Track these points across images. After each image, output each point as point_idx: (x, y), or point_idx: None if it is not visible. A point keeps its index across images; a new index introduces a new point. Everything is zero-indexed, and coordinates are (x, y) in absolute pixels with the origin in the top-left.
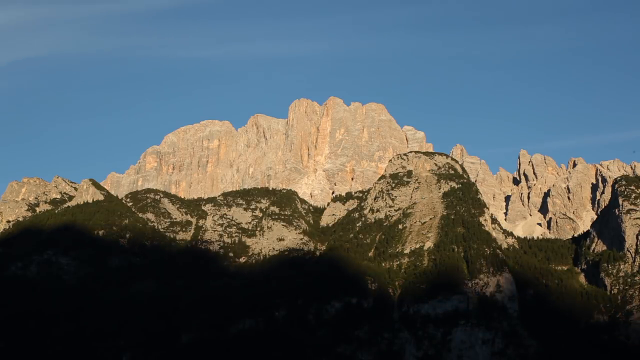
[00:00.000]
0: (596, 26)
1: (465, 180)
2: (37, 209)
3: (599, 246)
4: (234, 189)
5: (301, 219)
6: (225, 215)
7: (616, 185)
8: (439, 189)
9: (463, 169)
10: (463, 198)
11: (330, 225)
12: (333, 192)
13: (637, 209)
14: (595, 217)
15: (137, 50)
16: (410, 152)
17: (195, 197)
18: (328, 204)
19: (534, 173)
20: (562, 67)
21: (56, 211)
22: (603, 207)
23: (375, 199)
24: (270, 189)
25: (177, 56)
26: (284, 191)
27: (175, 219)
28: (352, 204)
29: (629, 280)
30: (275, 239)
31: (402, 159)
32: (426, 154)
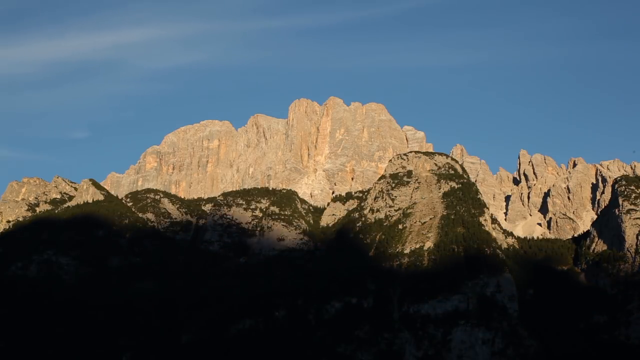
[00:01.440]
0: (596, 25)
1: (465, 180)
2: (37, 209)
3: (599, 246)
4: (234, 189)
5: (301, 219)
6: (225, 215)
7: (616, 185)
8: (439, 189)
9: (463, 169)
10: (463, 198)
11: (330, 225)
12: (333, 192)
13: (637, 209)
14: (595, 217)
15: None
16: (410, 152)
17: (195, 197)
18: (328, 204)
19: (534, 173)
20: (562, 66)
21: (56, 211)
22: (603, 207)
23: (375, 199)
24: (270, 189)
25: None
26: (284, 191)
27: (175, 219)
28: (352, 204)
29: (629, 280)
30: (275, 239)
31: (402, 159)
32: (426, 154)
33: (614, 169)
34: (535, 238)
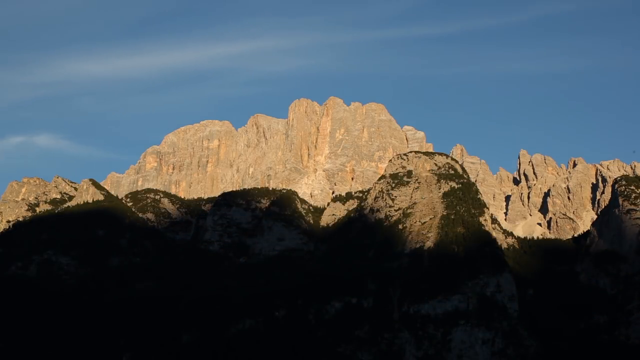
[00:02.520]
0: (597, 25)
1: (465, 180)
2: (37, 209)
3: (599, 246)
4: (234, 189)
5: (301, 219)
6: (225, 215)
7: (616, 185)
8: (439, 189)
9: (463, 169)
10: (463, 198)
11: (330, 225)
12: (333, 192)
13: (637, 209)
14: (595, 217)
15: None
16: (410, 152)
17: (195, 197)
18: (328, 204)
19: (534, 173)
20: (561, 67)
21: (56, 211)
22: (603, 207)
23: (375, 199)
24: (270, 189)
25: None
26: (284, 191)
27: (175, 219)
28: (352, 204)
29: (629, 280)
30: (275, 239)
31: (402, 159)
32: (426, 154)
33: (614, 169)
34: (535, 238)
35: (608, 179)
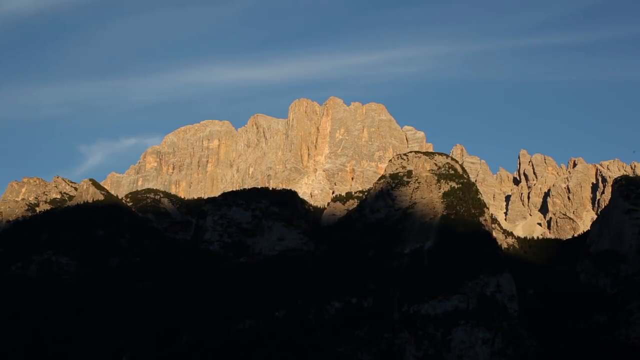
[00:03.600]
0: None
1: (465, 180)
2: (37, 209)
3: (599, 246)
4: (234, 189)
5: (301, 219)
6: (225, 215)
7: (616, 185)
8: (439, 189)
9: (463, 169)
10: (463, 198)
11: (330, 225)
12: (333, 192)
13: (637, 209)
14: (595, 217)
15: None
16: (410, 152)
17: (195, 197)
18: (328, 204)
19: (534, 173)
20: (562, 65)
21: (56, 211)
22: (603, 207)
23: (375, 199)
24: (270, 189)
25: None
26: (284, 191)
27: (175, 219)
28: (352, 204)
29: (629, 280)
30: (275, 239)
31: (402, 159)
32: (426, 154)
33: (614, 169)
34: (535, 238)
35: (608, 179)
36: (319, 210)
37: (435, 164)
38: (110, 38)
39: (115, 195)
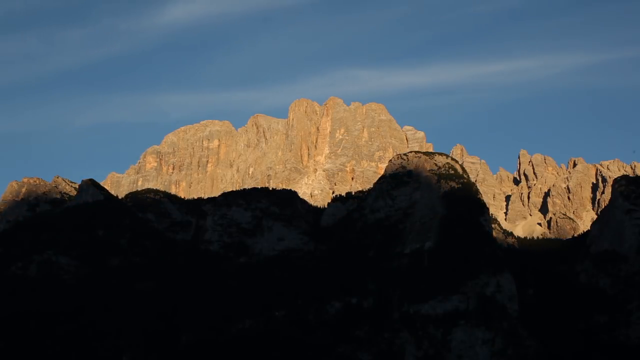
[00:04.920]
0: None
1: (465, 180)
2: (37, 209)
3: (599, 246)
4: (234, 189)
5: (301, 219)
6: (225, 215)
7: (616, 185)
8: (439, 189)
9: (463, 169)
10: (463, 198)
11: (330, 225)
12: (333, 192)
13: (637, 209)
14: (595, 217)
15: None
16: (410, 152)
17: (195, 197)
18: (328, 204)
19: (534, 173)
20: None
21: (56, 211)
22: (603, 207)
23: (375, 199)
24: (270, 189)
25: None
26: (284, 191)
27: (175, 219)
28: (352, 204)
29: (629, 280)
30: (275, 239)
31: (402, 159)
32: (426, 154)
33: (614, 169)
34: (535, 238)
35: (608, 179)
36: (319, 210)
37: (435, 164)
38: (259, 49)
39: (115, 195)
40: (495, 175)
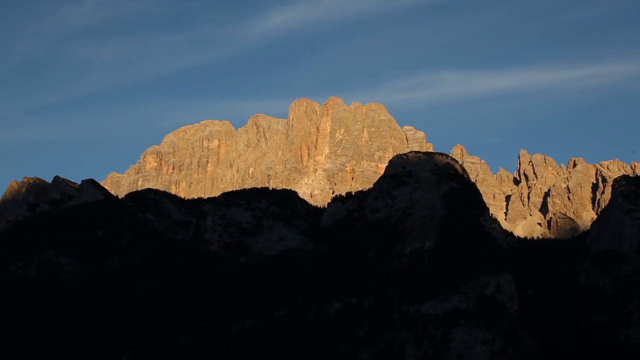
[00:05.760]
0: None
1: (465, 180)
2: (37, 209)
3: (599, 246)
4: (234, 189)
5: (301, 219)
6: (225, 215)
7: (616, 185)
8: (439, 189)
9: (463, 169)
10: (463, 198)
11: (330, 225)
12: (333, 192)
13: (637, 209)
14: (595, 217)
15: None
16: (410, 152)
17: (195, 197)
18: (328, 204)
19: (534, 173)
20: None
21: (56, 211)
22: (603, 207)
23: (375, 199)
24: (270, 189)
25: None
26: (284, 191)
27: (175, 219)
28: (352, 204)
29: (629, 280)
30: (275, 239)
31: (402, 159)
32: (426, 154)
33: (614, 169)
34: (535, 238)
35: (608, 179)
36: (319, 210)
37: (435, 164)
38: (346, 54)
39: (115, 195)
40: (495, 175)
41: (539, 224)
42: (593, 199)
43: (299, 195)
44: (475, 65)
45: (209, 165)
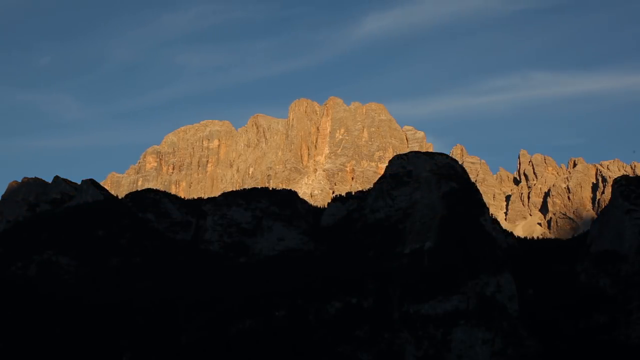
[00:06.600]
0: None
1: (465, 180)
2: (37, 209)
3: (599, 246)
4: (234, 189)
5: (301, 219)
6: (225, 215)
7: (616, 185)
8: (439, 189)
9: (463, 169)
10: (463, 198)
11: (330, 225)
12: (333, 192)
13: (637, 209)
14: (595, 217)
15: None
16: (410, 152)
17: (195, 197)
18: (328, 204)
19: (534, 173)
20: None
21: (56, 211)
22: (603, 207)
23: (375, 199)
24: (270, 189)
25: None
26: (284, 191)
27: (175, 219)
28: (352, 204)
29: (629, 280)
30: (275, 239)
31: (402, 159)
32: (426, 154)
33: (614, 169)
34: (535, 238)
35: (608, 179)
36: (319, 210)
37: (435, 164)
38: (437, 59)
39: (115, 195)
40: (495, 175)
41: (539, 224)
42: (593, 199)
43: (299, 195)
44: (565, 67)
45: (209, 165)
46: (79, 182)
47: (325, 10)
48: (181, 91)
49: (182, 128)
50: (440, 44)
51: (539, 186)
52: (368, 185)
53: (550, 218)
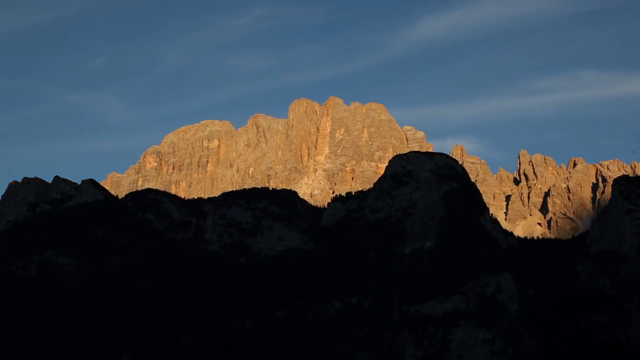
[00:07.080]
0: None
1: (465, 181)
2: (37, 209)
3: (599, 246)
4: (234, 189)
5: (301, 219)
6: (225, 215)
7: (616, 185)
8: (439, 189)
9: (463, 169)
10: (463, 198)
11: (330, 225)
12: (333, 192)
13: (637, 209)
14: (595, 217)
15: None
16: (410, 152)
17: (195, 197)
18: (328, 204)
19: (534, 173)
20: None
21: (56, 211)
22: (603, 207)
23: (375, 199)
24: (270, 189)
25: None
26: (284, 191)
27: (175, 219)
28: (352, 204)
29: (629, 280)
30: (275, 239)
31: (402, 159)
32: (426, 154)
33: (614, 169)
34: (535, 238)
35: (608, 179)
36: (319, 210)
37: (435, 164)
38: (485, 61)
39: (115, 195)
40: (495, 175)
41: (539, 224)
42: (593, 199)
43: (299, 195)
44: (616, 67)
45: (209, 165)
46: (79, 182)
47: (382, 12)
48: (229, 94)
49: (182, 128)
50: (492, 45)
51: (539, 186)
52: (368, 185)
53: (550, 218)
